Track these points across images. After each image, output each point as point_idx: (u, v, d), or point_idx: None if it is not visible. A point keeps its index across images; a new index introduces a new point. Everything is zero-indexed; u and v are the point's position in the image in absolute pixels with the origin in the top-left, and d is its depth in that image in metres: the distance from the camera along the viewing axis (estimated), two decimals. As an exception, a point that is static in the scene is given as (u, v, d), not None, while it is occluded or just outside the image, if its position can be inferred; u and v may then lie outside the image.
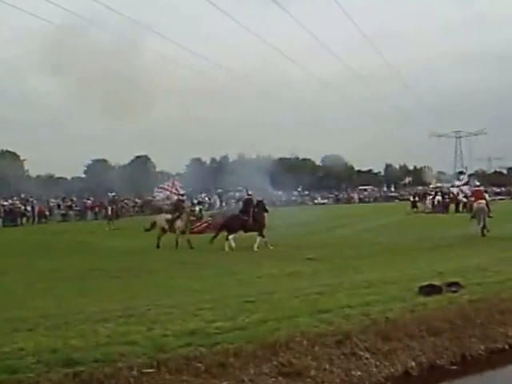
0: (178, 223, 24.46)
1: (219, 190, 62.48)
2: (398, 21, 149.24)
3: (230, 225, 23.89)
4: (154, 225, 25.16)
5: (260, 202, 24.36)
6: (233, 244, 22.74)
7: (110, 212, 40.83)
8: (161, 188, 33.02)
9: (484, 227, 25.00)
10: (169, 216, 25.08)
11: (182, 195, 28.91)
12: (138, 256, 20.94)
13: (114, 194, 42.45)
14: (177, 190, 30.52)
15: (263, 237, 23.10)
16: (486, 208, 25.71)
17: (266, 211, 24.23)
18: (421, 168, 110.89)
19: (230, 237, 22.97)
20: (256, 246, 22.53)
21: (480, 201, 26.15)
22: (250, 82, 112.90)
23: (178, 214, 24.82)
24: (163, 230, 24.76)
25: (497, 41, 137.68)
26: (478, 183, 30.23)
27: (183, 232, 24.22)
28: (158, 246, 23.86)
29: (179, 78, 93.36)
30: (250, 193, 26.25)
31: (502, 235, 23.36)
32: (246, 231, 23.74)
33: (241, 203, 26.87)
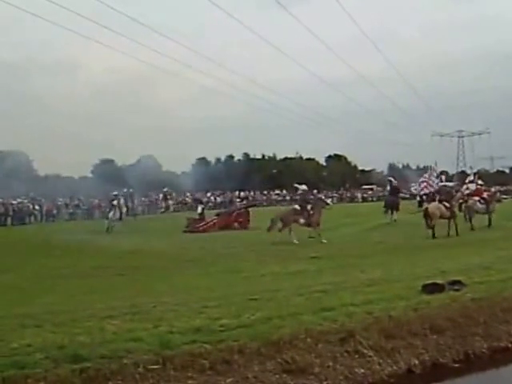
0: (456, 210, 25.46)
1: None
2: (400, 21, 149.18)
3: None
4: (427, 214, 24.57)
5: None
6: None
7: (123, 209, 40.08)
8: (422, 182, 32.71)
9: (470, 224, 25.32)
10: (446, 204, 25.08)
11: (446, 185, 28.88)
12: (145, 254, 20.98)
13: (130, 189, 41.73)
14: (432, 180, 30.59)
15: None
16: (474, 206, 26.08)
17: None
18: (424, 167, 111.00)
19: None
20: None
21: (474, 198, 26.45)
22: (253, 82, 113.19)
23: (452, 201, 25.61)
24: (440, 218, 24.67)
25: (500, 40, 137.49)
26: (480, 182, 30.41)
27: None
28: (434, 236, 23.66)
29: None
30: (445, 184, 28.61)
31: (504, 234, 23.37)
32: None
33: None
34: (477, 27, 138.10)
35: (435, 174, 30.65)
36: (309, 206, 25.36)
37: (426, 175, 30.84)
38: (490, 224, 27.23)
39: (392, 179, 29.65)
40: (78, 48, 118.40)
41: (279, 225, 24.72)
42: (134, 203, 48.18)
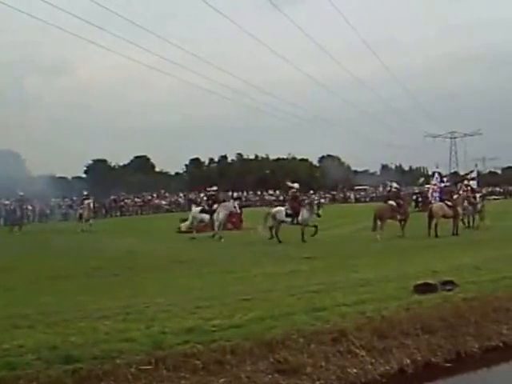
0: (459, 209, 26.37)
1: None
2: (393, 24, 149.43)
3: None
4: (431, 213, 25.32)
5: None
6: None
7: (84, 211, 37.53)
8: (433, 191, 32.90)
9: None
10: (449, 203, 25.98)
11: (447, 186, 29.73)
12: (138, 254, 20.97)
13: (86, 192, 39.64)
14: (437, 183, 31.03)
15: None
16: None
17: None
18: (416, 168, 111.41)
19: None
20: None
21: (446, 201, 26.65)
22: (247, 83, 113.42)
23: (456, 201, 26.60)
24: (443, 217, 25.40)
25: (491, 44, 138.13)
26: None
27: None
28: (437, 235, 24.26)
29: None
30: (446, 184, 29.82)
31: (495, 235, 23.52)
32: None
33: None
34: (470, 30, 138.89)
35: (436, 176, 31.02)
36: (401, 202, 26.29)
37: (433, 181, 31.16)
38: (468, 226, 27.57)
39: (388, 183, 30.03)
40: (72, 49, 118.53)
41: (378, 222, 25.21)
42: (24, 211, 44.15)
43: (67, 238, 30.50)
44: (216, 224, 26.39)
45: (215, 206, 26.97)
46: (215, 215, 26.63)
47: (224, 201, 27.98)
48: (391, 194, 27.62)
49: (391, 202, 26.31)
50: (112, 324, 8.52)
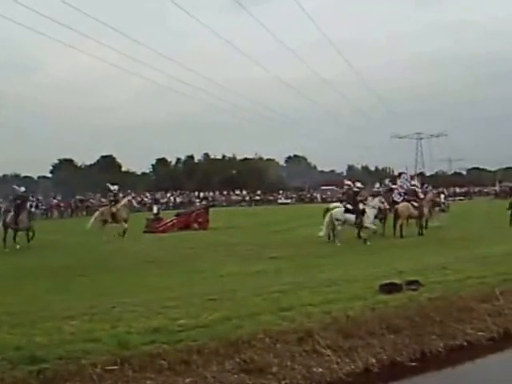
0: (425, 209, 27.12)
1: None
2: (360, 26, 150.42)
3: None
4: (396, 213, 25.69)
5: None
6: None
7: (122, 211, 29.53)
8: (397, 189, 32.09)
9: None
10: (415, 203, 26.39)
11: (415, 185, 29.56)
12: (105, 254, 20.88)
13: (116, 187, 34.70)
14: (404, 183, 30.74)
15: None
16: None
17: None
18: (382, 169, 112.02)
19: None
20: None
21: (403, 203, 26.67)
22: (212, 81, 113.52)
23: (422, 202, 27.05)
24: (409, 217, 26.17)
25: (457, 44, 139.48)
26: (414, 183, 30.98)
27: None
28: (402, 236, 24.48)
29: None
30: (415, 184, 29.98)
31: (461, 234, 23.77)
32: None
33: None
34: (433, 32, 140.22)
35: (405, 177, 31.04)
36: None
37: (399, 181, 31.15)
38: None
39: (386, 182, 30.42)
40: (37, 47, 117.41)
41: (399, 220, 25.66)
42: None
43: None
44: (368, 225, 23.80)
45: (361, 205, 23.98)
46: (365, 216, 23.66)
47: (366, 199, 25.76)
48: (375, 193, 28.43)
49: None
50: (78, 324, 8.48)
